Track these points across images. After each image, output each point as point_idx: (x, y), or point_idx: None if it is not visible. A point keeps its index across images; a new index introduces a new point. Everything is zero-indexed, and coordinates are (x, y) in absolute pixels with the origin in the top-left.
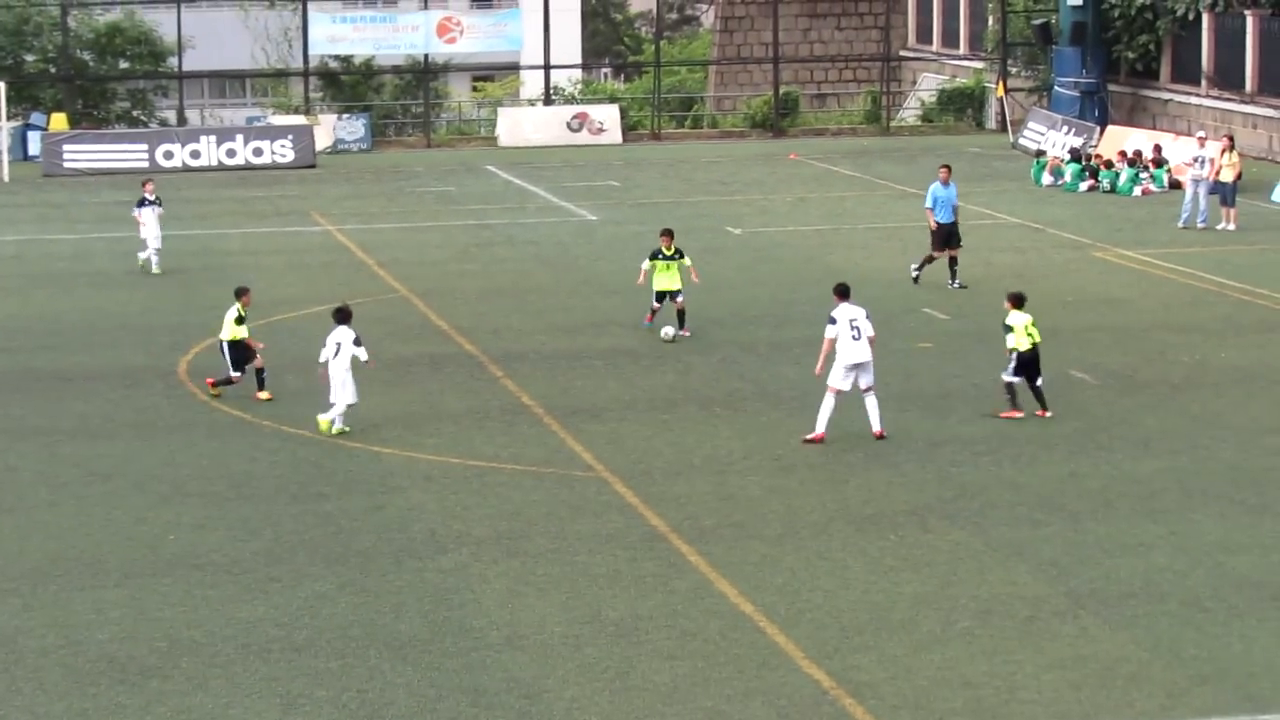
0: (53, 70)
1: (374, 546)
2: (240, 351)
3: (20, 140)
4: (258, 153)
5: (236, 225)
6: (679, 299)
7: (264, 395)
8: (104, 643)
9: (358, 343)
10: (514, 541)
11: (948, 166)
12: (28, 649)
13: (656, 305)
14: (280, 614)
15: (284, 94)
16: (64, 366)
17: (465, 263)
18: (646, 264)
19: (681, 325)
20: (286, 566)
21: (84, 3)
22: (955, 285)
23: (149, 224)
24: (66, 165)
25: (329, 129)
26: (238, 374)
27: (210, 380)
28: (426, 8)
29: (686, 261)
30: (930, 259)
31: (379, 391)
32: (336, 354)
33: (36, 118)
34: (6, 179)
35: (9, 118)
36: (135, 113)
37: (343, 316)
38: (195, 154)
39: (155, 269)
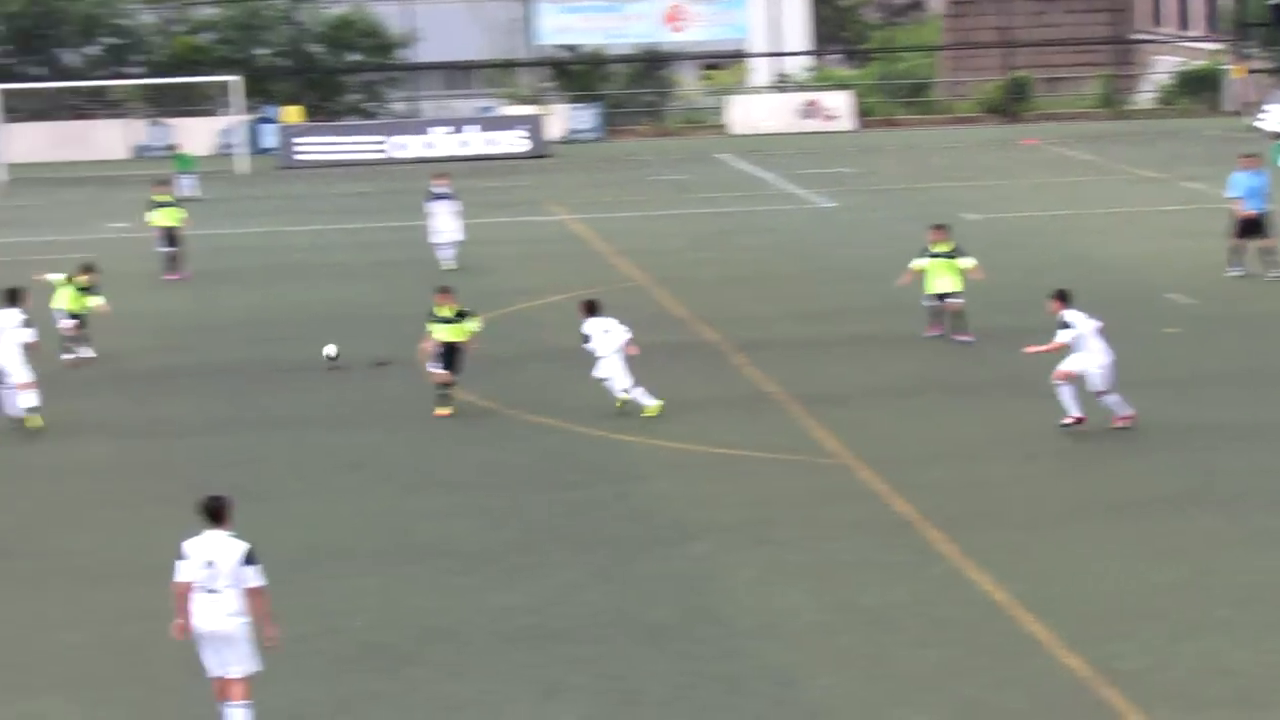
0: (284, 64)
1: (622, 534)
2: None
3: (255, 133)
4: (492, 143)
5: (473, 215)
6: (955, 300)
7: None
8: (359, 630)
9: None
10: (762, 529)
11: (1253, 155)
12: (286, 636)
13: (935, 305)
14: (533, 601)
15: (512, 84)
16: (309, 357)
17: (701, 251)
18: (918, 263)
19: (958, 329)
20: (536, 554)
21: None
22: (1273, 276)
23: (441, 218)
24: (302, 157)
25: (561, 118)
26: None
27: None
28: None
29: (967, 262)
30: (1238, 248)
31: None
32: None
33: (270, 111)
34: (244, 172)
35: (244, 111)
36: (366, 105)
37: (593, 309)
38: (429, 145)
39: (451, 263)
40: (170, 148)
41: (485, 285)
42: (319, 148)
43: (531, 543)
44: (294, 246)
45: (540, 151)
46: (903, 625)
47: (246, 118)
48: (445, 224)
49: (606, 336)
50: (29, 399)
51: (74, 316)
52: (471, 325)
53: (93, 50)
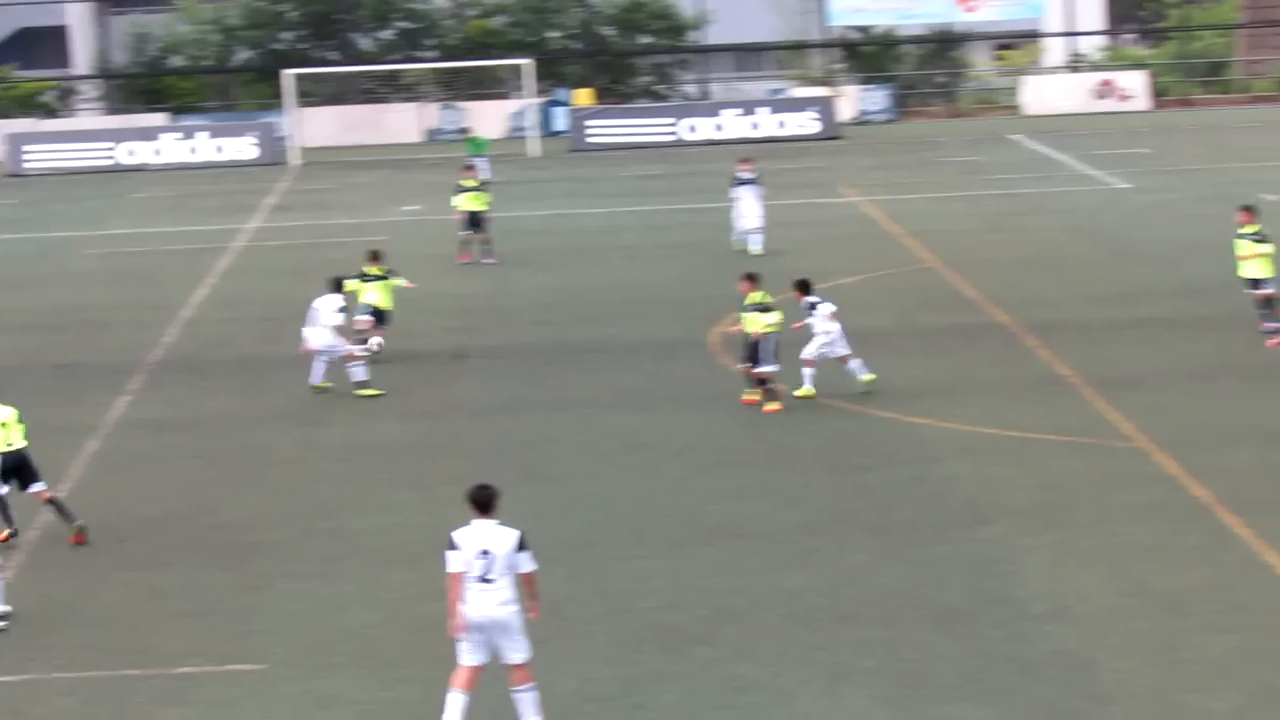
0: (576, 47)
1: (914, 517)
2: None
3: (546, 116)
4: (782, 125)
5: (767, 198)
6: (1264, 289)
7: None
8: (649, 611)
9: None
10: (1055, 512)
11: None
12: (575, 617)
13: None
14: (823, 583)
15: (803, 66)
16: (599, 339)
17: (994, 233)
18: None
19: (1266, 317)
20: (827, 536)
21: None
22: None
23: (746, 202)
24: (592, 140)
25: (852, 100)
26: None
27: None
28: None
29: (1266, 248)
30: None
31: (913, 363)
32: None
33: (561, 94)
34: (535, 154)
35: (536, 94)
36: (657, 87)
37: (806, 288)
38: (720, 127)
39: (756, 248)
40: (463, 131)
41: (776, 267)
42: (610, 130)
43: (822, 525)
44: (584, 229)
45: (831, 133)
46: (1198, 610)
47: (538, 101)
48: (750, 209)
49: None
50: (359, 372)
51: (376, 313)
52: (770, 319)
53: (385, 35)
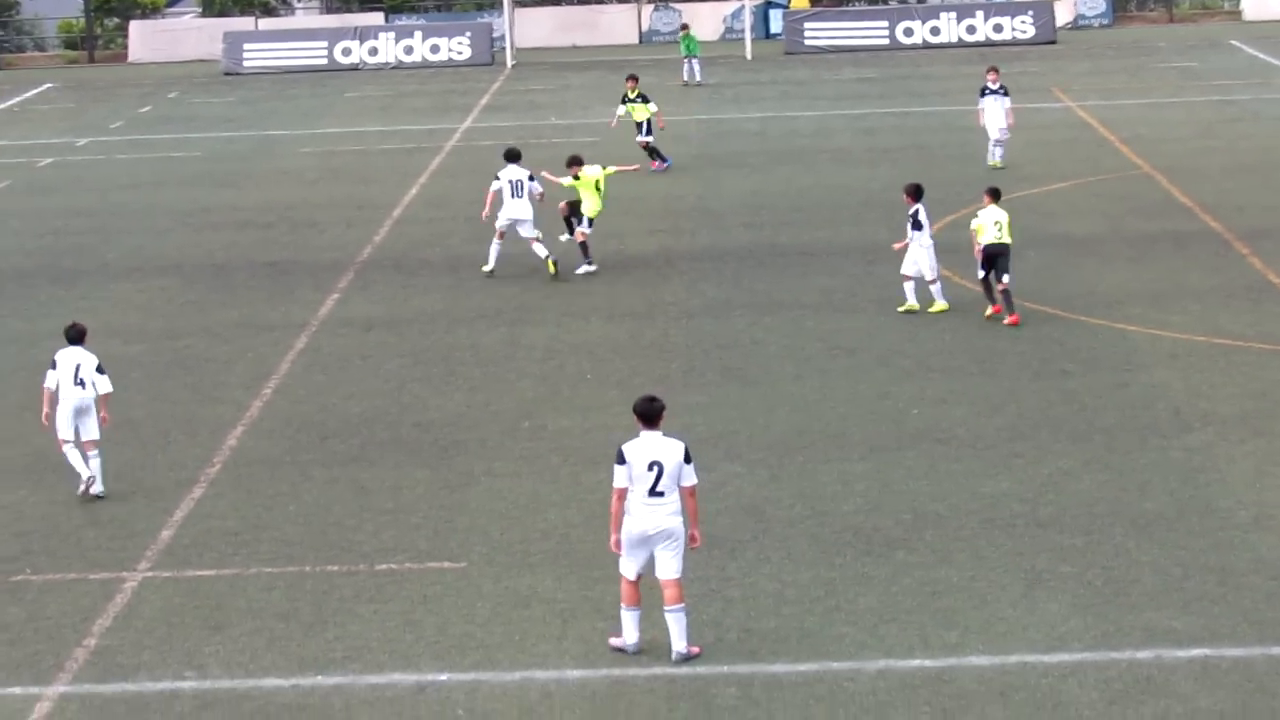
0: None
1: (1118, 424)
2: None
3: (762, 18)
4: (998, 29)
5: (975, 102)
6: None
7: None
8: (849, 514)
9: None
10: (1261, 421)
11: None
12: (775, 519)
13: None
14: (1024, 489)
15: None
16: (807, 241)
17: (1209, 139)
18: None
19: None
20: (1030, 442)
21: None
22: None
23: (991, 112)
24: (808, 43)
25: (1069, 4)
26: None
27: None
28: None
29: None
30: None
31: (1122, 269)
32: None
33: None
34: (749, 57)
35: None
36: None
37: (918, 193)
38: (935, 30)
39: (995, 160)
40: (683, 28)
41: (987, 171)
42: (824, 33)
43: (1025, 430)
44: (796, 132)
45: (1047, 38)
46: None
47: (754, 3)
48: (994, 119)
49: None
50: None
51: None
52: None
53: None
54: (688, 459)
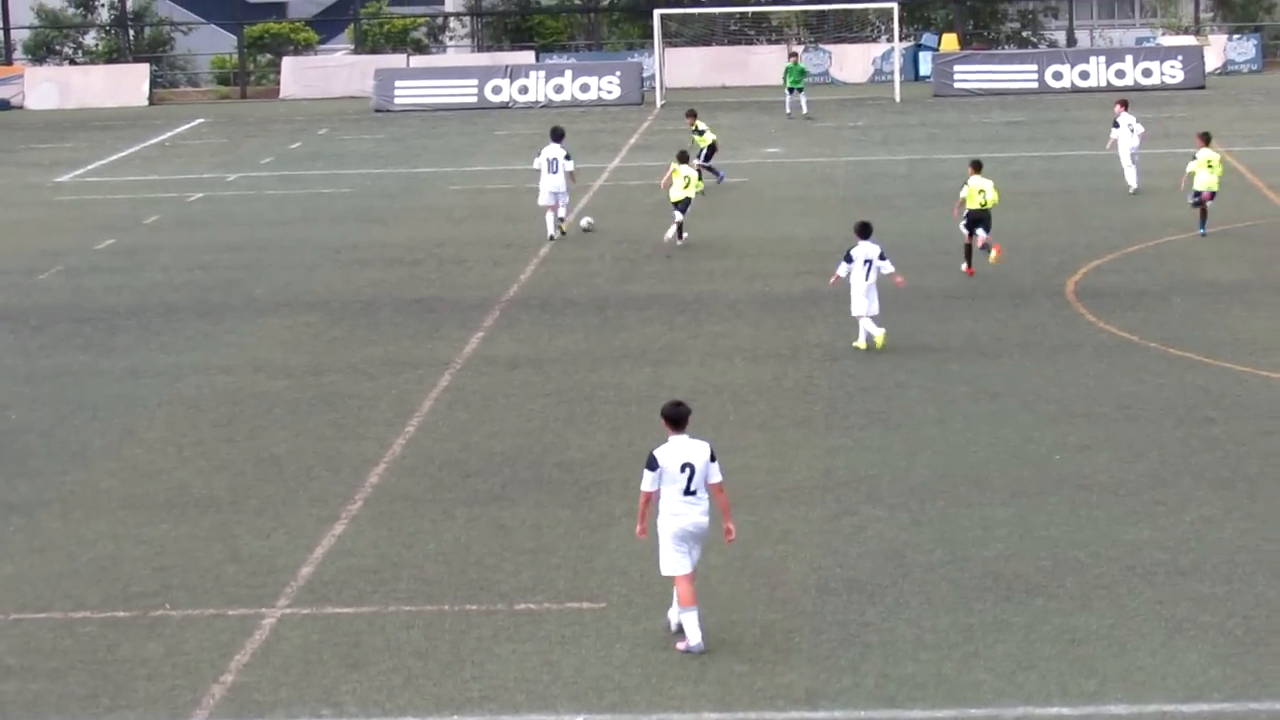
0: None
1: (1261, 472)
2: None
3: (912, 61)
4: (1147, 74)
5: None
6: None
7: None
8: (989, 559)
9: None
10: None
11: None
12: (915, 563)
13: None
14: (1165, 537)
15: (1173, 15)
16: (952, 285)
17: None
18: None
19: None
20: (1172, 489)
21: None
22: None
23: (1121, 143)
24: (957, 85)
25: (1219, 50)
26: None
27: None
28: None
29: None
30: None
31: (1268, 316)
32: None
33: (927, 38)
34: (898, 100)
35: (902, 38)
36: (1025, 33)
37: (865, 229)
38: (1084, 75)
39: (1130, 182)
40: (792, 56)
41: (1136, 215)
42: (974, 76)
43: (1168, 477)
44: (944, 175)
45: (1196, 83)
46: None
47: (903, 45)
48: (1122, 147)
49: (864, 268)
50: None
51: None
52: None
53: None
54: (713, 458)
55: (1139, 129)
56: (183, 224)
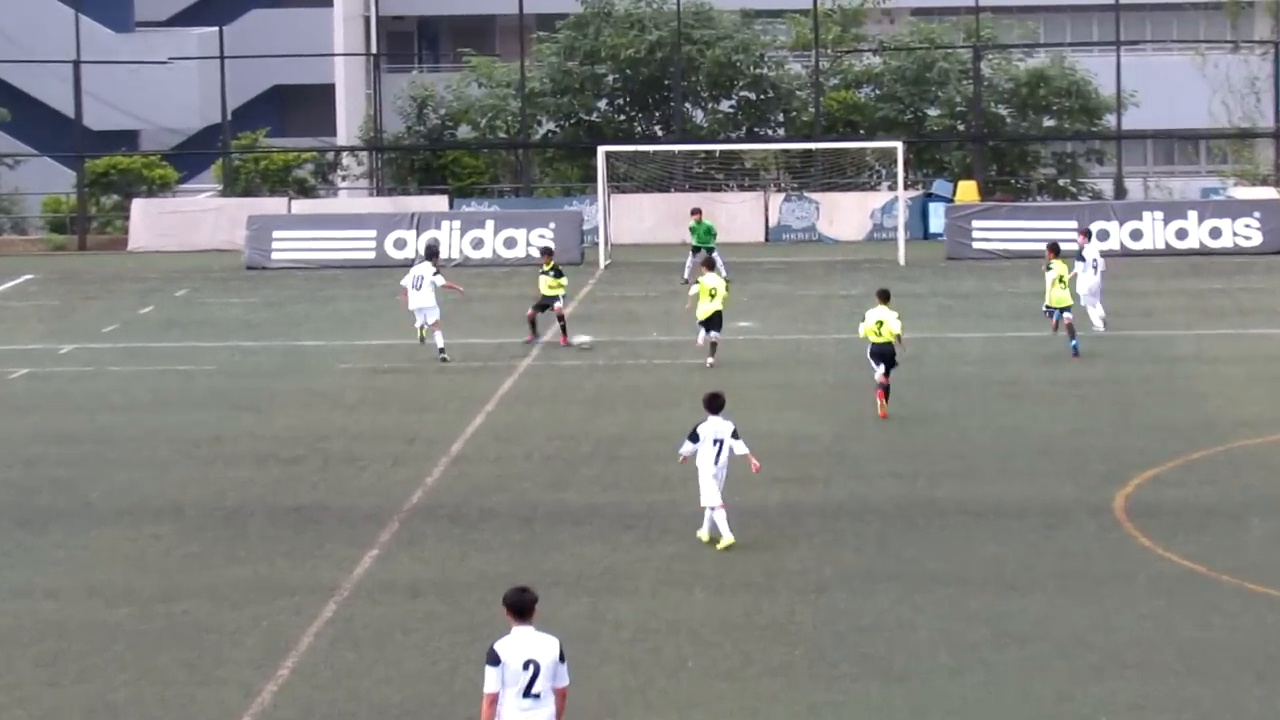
0: (960, 128)
1: None
2: None
3: (920, 214)
4: (1215, 234)
5: (1187, 325)
6: None
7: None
8: None
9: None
10: None
11: None
12: None
13: None
14: None
15: (1248, 160)
16: (970, 498)
17: None
18: None
19: None
20: None
21: (1002, 45)
22: None
23: (1081, 281)
24: (976, 245)
25: None
26: None
27: None
28: None
29: None
30: None
31: None
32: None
33: (940, 186)
34: (903, 262)
35: (907, 185)
36: (1062, 181)
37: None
38: (1136, 234)
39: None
40: (695, 214)
41: (1202, 413)
42: (997, 233)
43: None
44: (959, 356)
45: (1277, 246)
46: None
47: (909, 194)
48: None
49: (714, 449)
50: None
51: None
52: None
53: (723, 108)
54: (562, 658)
55: (1102, 265)
56: (2, 408)
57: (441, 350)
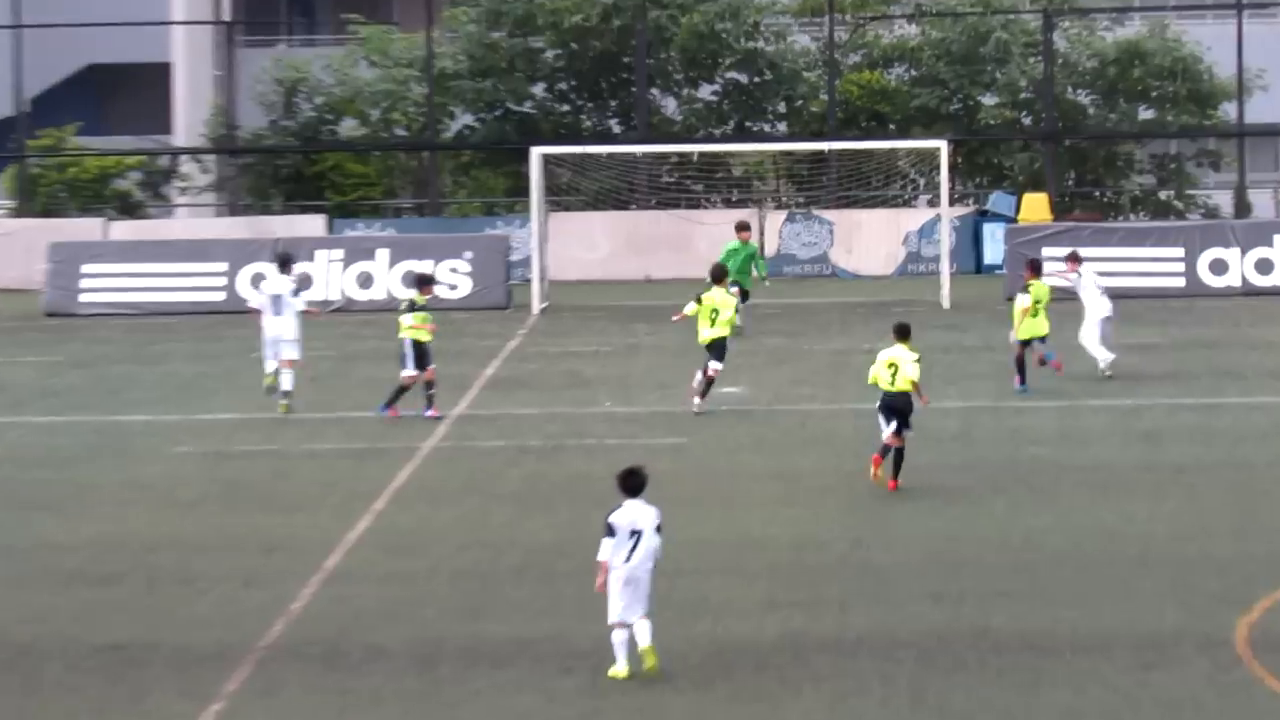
0: (1026, 122)
1: None
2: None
3: (970, 238)
4: None
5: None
6: None
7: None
8: None
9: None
10: None
11: None
12: None
13: None
14: None
15: None
16: (1037, 628)
17: None
18: None
19: None
20: None
21: (1083, 9)
22: None
23: (1090, 310)
24: (1046, 281)
25: None
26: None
27: None
28: None
29: None
30: None
31: None
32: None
33: (998, 200)
34: (947, 304)
35: (954, 200)
36: (1164, 194)
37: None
38: (1264, 265)
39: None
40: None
41: None
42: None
43: None
44: (1025, 434)
45: None
46: None
47: (957, 212)
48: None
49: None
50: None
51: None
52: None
53: (703, 95)
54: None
55: (1102, 283)
56: None
57: (286, 394)
